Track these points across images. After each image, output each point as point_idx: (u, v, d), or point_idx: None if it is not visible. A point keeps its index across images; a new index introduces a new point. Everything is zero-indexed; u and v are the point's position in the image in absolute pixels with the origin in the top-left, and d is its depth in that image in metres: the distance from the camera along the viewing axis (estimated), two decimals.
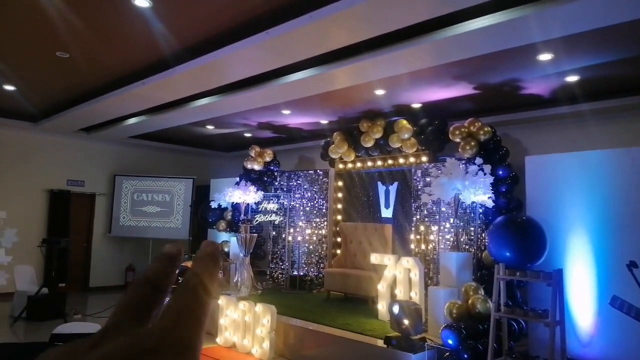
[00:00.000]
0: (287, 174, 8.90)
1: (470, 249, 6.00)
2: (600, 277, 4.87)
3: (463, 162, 6.12)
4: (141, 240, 9.91)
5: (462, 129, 6.40)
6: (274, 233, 8.51)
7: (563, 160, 5.45)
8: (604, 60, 5.02)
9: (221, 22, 4.67)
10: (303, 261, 8.41)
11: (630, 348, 4.10)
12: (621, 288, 4.26)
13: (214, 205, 8.12)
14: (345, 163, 8.36)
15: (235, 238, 7.67)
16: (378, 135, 7.58)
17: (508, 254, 4.87)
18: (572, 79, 5.62)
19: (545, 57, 4.94)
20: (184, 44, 5.21)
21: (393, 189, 7.88)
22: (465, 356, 4.41)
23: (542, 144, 6.63)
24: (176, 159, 11.09)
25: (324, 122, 8.25)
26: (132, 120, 8.56)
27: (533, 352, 4.39)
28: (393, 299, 5.54)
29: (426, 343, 4.66)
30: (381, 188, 8.05)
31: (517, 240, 4.88)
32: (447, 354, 4.51)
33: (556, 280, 4.22)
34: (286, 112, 7.67)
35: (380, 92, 6.43)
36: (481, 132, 6.26)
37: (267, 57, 5.18)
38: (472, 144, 6.24)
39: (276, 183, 8.87)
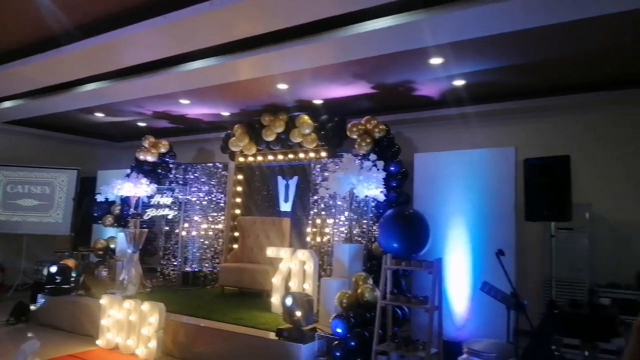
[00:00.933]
0: (183, 167, 8.55)
1: (362, 241, 6.22)
2: (475, 265, 5.31)
3: (359, 158, 6.32)
4: (14, 236, 8.92)
5: (359, 126, 6.63)
6: (166, 228, 8.13)
7: (447, 157, 5.86)
8: (488, 67, 5.47)
9: (118, 1, 4.35)
10: (197, 257, 8.14)
11: (496, 329, 4.50)
12: (491, 274, 4.70)
13: (100, 198, 7.54)
14: (245, 156, 8.24)
15: (123, 234, 7.20)
16: (280, 129, 7.57)
17: (395, 245, 5.11)
18: (459, 82, 6.06)
19: (436, 60, 5.27)
20: (75, 22, 4.77)
21: (293, 183, 7.92)
22: (353, 344, 4.55)
23: (431, 142, 7.07)
24: (59, 148, 10.14)
25: (225, 114, 8.06)
26: (8, 104, 7.68)
27: (414, 336, 4.65)
28: (287, 291, 5.55)
29: (316, 333, 4.73)
30: (281, 182, 8.06)
31: (404, 232, 5.14)
32: (336, 342, 4.62)
33: (436, 268, 4.51)
34: (185, 101, 7.36)
35: (283, 86, 6.42)
36: (376, 130, 6.52)
37: (165, 42, 4.93)
38: (368, 140, 6.48)
39: (171, 176, 8.48)
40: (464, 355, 1.49)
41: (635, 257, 5.70)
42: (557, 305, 4.20)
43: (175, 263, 8.05)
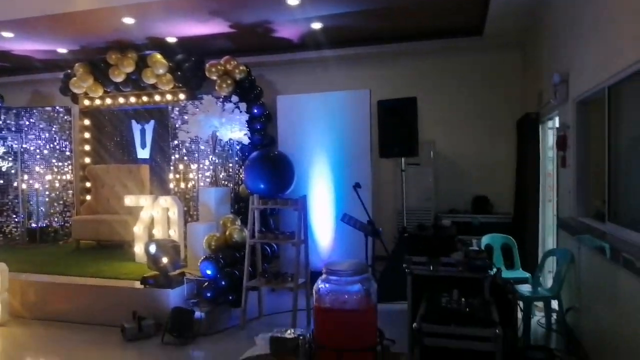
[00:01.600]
0: (15, 111, 7.40)
1: (229, 184, 6.17)
2: (337, 200, 5.67)
3: (220, 100, 6.13)
4: None
5: (219, 67, 6.38)
6: (1, 181, 7.09)
7: (308, 99, 6.00)
8: (343, 11, 5.59)
9: None
10: (44, 211, 7.31)
11: (358, 255, 4.92)
12: (352, 207, 5.07)
13: None
14: (92, 99, 7.42)
15: None
16: (129, 69, 6.92)
17: (262, 185, 5.18)
18: (317, 25, 6.11)
19: (292, 1, 5.20)
20: None
21: (149, 127, 7.41)
22: (223, 283, 4.60)
23: (293, 84, 7.14)
24: None
25: (63, 50, 7.06)
26: None
27: (283, 270, 4.88)
28: (151, 239, 5.32)
29: (185, 277, 4.67)
30: (136, 127, 7.48)
31: (269, 172, 5.22)
32: (206, 283, 4.62)
33: (301, 205, 4.71)
34: (7, 34, 6.25)
35: (129, 20, 5.79)
36: (237, 71, 6.34)
37: None
38: (229, 82, 6.29)
39: (0, 122, 7.30)
40: (323, 276, 1.62)
41: (470, 186, 6.61)
42: (407, 231, 4.73)
43: (17, 219, 7.13)
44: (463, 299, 2.86)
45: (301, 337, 1.98)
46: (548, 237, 5.33)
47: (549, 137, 5.37)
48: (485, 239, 5.17)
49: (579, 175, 4.05)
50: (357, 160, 5.67)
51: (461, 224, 5.97)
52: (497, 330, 2.49)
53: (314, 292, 1.68)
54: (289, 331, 2.15)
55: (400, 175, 5.64)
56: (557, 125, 4.77)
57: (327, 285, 1.62)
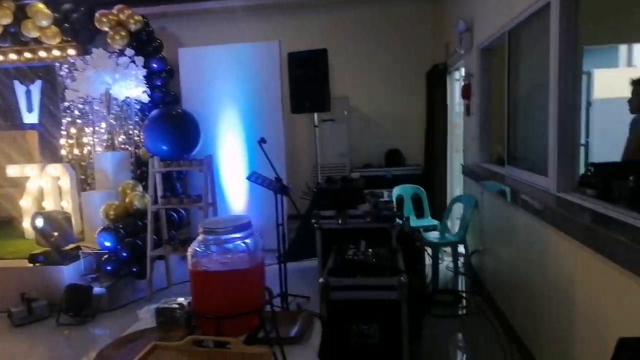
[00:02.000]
0: None
1: (128, 148, 5.67)
2: (249, 158, 5.42)
3: (114, 54, 5.52)
4: None
5: (110, 17, 5.72)
6: None
7: (214, 52, 5.58)
8: None
9: None
10: None
11: (272, 214, 4.77)
12: (263, 165, 4.84)
13: None
14: None
15: None
16: (6, 20, 6.01)
17: (164, 147, 4.79)
18: None
19: None
20: None
21: (36, 88, 6.58)
22: (125, 254, 4.26)
23: (197, 37, 6.61)
24: None
25: None
26: None
27: (194, 236, 4.60)
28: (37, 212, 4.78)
29: (80, 251, 4.26)
30: (20, 88, 6.61)
31: (171, 132, 4.83)
32: (106, 256, 4.25)
33: (207, 166, 4.41)
34: None
35: None
36: (131, 21, 5.73)
37: None
38: (123, 34, 5.67)
39: None
40: (199, 236, 1.42)
41: (384, 140, 6.61)
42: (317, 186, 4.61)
43: None
44: (370, 250, 2.79)
45: (179, 306, 1.78)
46: (456, 186, 5.49)
47: (455, 87, 5.44)
48: (396, 191, 5.21)
49: (482, 122, 4.11)
50: (268, 116, 5.41)
51: (375, 177, 6.00)
52: (402, 278, 2.44)
53: (188, 255, 1.46)
54: (179, 300, 1.94)
55: (314, 130, 5.47)
56: (463, 74, 4.81)
57: (203, 246, 1.41)
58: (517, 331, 3.08)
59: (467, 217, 4.23)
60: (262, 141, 3.61)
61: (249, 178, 3.71)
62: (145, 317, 1.99)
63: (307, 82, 5.11)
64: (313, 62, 5.16)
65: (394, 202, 4.98)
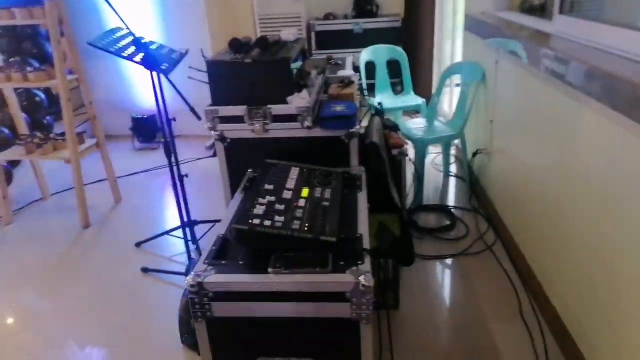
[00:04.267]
0: None
1: None
2: None
3: None
4: None
5: None
6: None
7: None
8: None
9: None
10: None
11: None
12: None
13: None
14: None
15: None
16: None
17: None
18: None
19: None
20: None
21: None
22: None
23: None
24: None
25: None
26: None
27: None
28: None
29: None
30: None
31: None
32: None
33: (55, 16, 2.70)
34: None
35: None
36: None
37: None
38: None
39: None
40: None
41: None
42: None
43: None
44: (304, 194, 1.42)
45: None
46: (452, 48, 3.94)
47: None
48: (365, 55, 3.66)
49: None
50: None
51: (339, 33, 4.39)
52: (364, 278, 1.14)
53: None
54: None
55: None
56: None
57: None
58: (536, 273, 1.96)
59: (469, 98, 2.81)
60: None
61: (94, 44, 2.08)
62: None
63: None
64: None
65: (362, 76, 3.48)
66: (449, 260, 2.38)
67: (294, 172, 1.57)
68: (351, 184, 1.62)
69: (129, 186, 3.43)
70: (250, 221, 1.25)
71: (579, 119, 1.54)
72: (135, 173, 3.67)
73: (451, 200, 2.98)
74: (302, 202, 1.38)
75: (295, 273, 1.16)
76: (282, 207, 1.34)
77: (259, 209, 1.31)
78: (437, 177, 3.27)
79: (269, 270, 1.17)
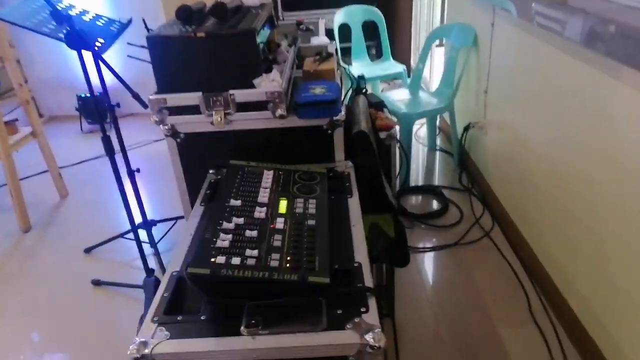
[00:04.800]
0: None
1: None
2: None
3: None
4: None
5: None
6: None
7: None
8: None
9: None
10: None
11: None
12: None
13: None
14: None
15: None
16: None
17: None
18: None
19: None
20: None
21: None
22: None
23: None
24: None
25: None
26: None
27: None
28: None
29: None
30: None
31: None
32: None
33: None
34: None
35: None
36: None
37: None
38: None
39: None
40: None
41: None
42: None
43: None
44: (282, 221, 1.10)
45: None
46: (437, 6, 3.58)
47: None
48: (339, 17, 3.27)
49: None
50: None
51: None
52: (374, 335, 0.85)
53: None
54: None
55: None
56: None
57: None
58: (544, 265, 1.74)
59: (460, 66, 2.50)
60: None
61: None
62: None
63: None
64: None
65: (336, 43, 3.09)
66: (444, 252, 2.13)
67: (267, 176, 1.24)
68: (339, 188, 1.30)
69: (76, 177, 3.02)
70: (212, 260, 0.93)
71: (598, 87, 1.26)
72: (83, 161, 3.24)
73: (439, 179, 2.71)
74: (280, 223, 1.06)
75: (277, 334, 0.85)
76: (254, 233, 1.01)
77: (223, 240, 0.98)
78: (421, 151, 3.00)
79: (242, 330, 0.86)
